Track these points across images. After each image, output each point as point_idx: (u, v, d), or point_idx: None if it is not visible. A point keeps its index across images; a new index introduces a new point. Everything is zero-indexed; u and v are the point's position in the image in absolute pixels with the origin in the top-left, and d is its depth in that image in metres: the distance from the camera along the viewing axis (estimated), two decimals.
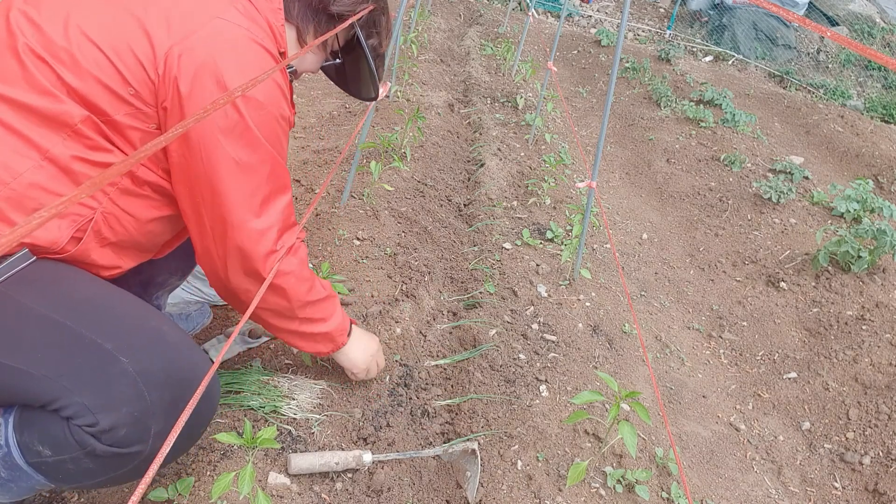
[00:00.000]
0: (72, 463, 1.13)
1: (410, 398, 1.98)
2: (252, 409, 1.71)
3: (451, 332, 2.38)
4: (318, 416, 1.76)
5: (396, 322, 2.23)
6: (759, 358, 3.01)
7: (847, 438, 2.51)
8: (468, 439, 1.84)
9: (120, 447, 1.11)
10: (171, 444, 1.23)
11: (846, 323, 3.04)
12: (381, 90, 1.75)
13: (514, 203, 3.43)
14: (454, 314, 2.50)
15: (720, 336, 3.16)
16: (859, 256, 3.30)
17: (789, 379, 2.85)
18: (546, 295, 2.62)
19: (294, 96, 1.51)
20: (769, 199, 4.21)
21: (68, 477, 1.17)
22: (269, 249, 1.38)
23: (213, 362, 1.29)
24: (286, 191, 1.41)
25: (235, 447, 1.58)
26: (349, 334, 1.70)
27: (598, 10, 10.10)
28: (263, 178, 1.33)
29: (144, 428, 1.12)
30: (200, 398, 1.23)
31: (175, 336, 1.24)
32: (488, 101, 5.02)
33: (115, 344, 1.13)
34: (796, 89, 8.29)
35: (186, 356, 1.22)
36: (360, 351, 1.76)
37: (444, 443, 1.88)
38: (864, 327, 2.98)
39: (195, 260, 1.90)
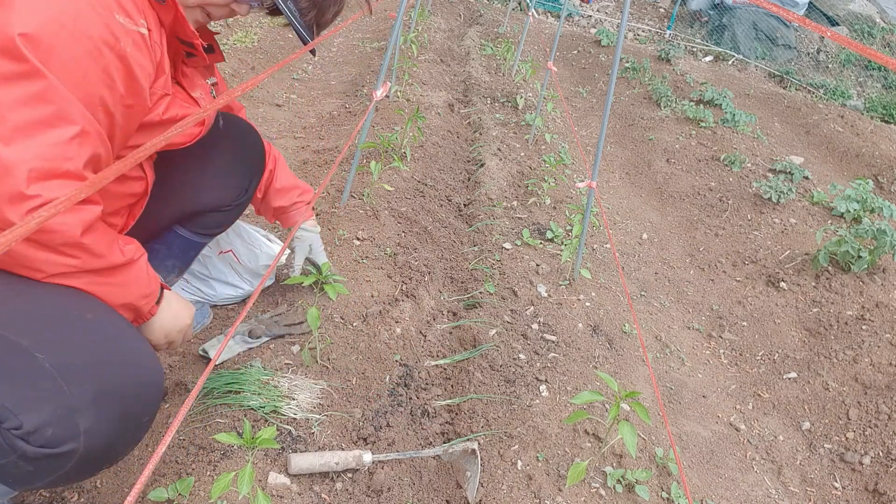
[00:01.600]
0: (13, 467, 1.08)
1: (410, 398, 1.98)
2: (252, 409, 1.71)
3: (451, 332, 2.38)
4: (318, 416, 1.76)
5: (396, 322, 2.23)
6: (759, 358, 3.01)
7: (847, 438, 2.51)
8: (468, 439, 1.84)
9: (51, 447, 1.05)
10: (107, 439, 1.12)
11: (846, 323, 3.04)
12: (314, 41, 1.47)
13: (514, 203, 3.43)
14: (454, 314, 2.50)
15: (720, 336, 3.16)
16: (859, 256, 3.30)
17: (789, 379, 2.85)
18: (546, 295, 2.62)
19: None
20: (769, 199, 4.21)
21: (19, 480, 1.13)
22: (16, 192, 1.03)
23: (150, 348, 1.23)
24: (64, 124, 1.06)
25: (235, 447, 1.58)
26: (159, 302, 1.42)
27: (598, 10, 10.10)
28: (27, 97, 1.02)
29: (72, 425, 1.06)
30: (133, 387, 1.15)
31: (98, 324, 1.15)
32: (488, 101, 5.02)
33: (30, 340, 1.06)
34: (796, 89, 8.29)
35: (110, 345, 1.14)
36: (166, 323, 1.47)
37: (444, 443, 1.88)
38: (864, 327, 2.98)
39: (191, 257, 1.91)
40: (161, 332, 1.45)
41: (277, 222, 2.11)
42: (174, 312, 1.46)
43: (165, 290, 1.45)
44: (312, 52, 1.49)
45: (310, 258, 2.16)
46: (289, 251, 2.21)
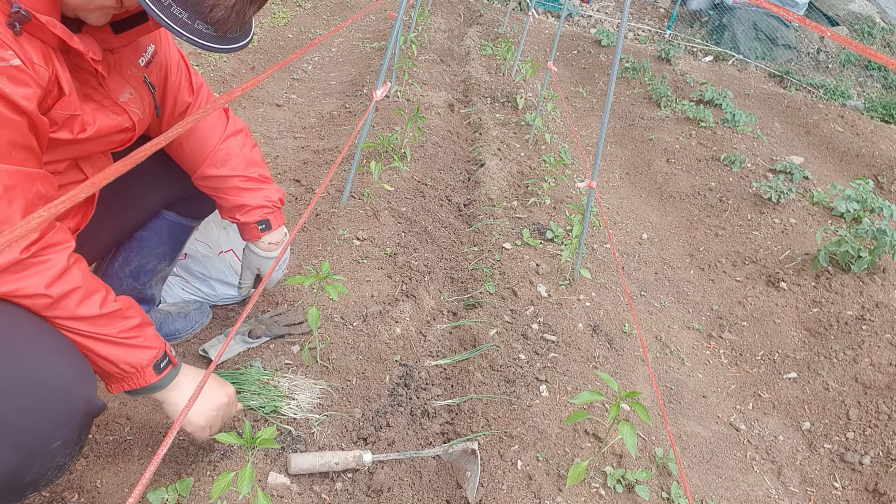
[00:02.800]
0: None
1: (410, 398, 1.98)
2: (252, 409, 1.71)
3: (451, 332, 2.38)
4: (318, 416, 1.76)
5: (396, 322, 2.23)
6: (759, 358, 3.00)
7: (847, 438, 2.51)
8: (468, 439, 1.84)
9: None
10: (9, 468, 1.04)
11: (846, 323, 3.04)
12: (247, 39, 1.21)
13: (514, 203, 3.43)
14: (454, 314, 2.49)
15: (720, 336, 3.16)
16: (859, 256, 3.30)
17: (789, 379, 2.85)
18: (546, 295, 2.62)
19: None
20: (769, 199, 4.21)
21: None
22: None
23: (63, 364, 1.14)
24: None
25: (235, 447, 1.58)
26: (162, 371, 1.33)
27: (598, 10, 10.10)
28: None
29: None
30: (30, 410, 1.07)
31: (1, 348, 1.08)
32: (488, 101, 5.02)
33: None
34: (796, 89, 8.28)
35: (9, 370, 1.06)
36: (199, 405, 1.41)
37: (444, 443, 1.88)
38: (864, 327, 2.98)
39: (181, 242, 1.91)
40: (195, 415, 1.39)
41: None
42: (203, 389, 1.36)
43: (183, 364, 1.40)
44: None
45: (260, 276, 1.84)
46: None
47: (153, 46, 1.45)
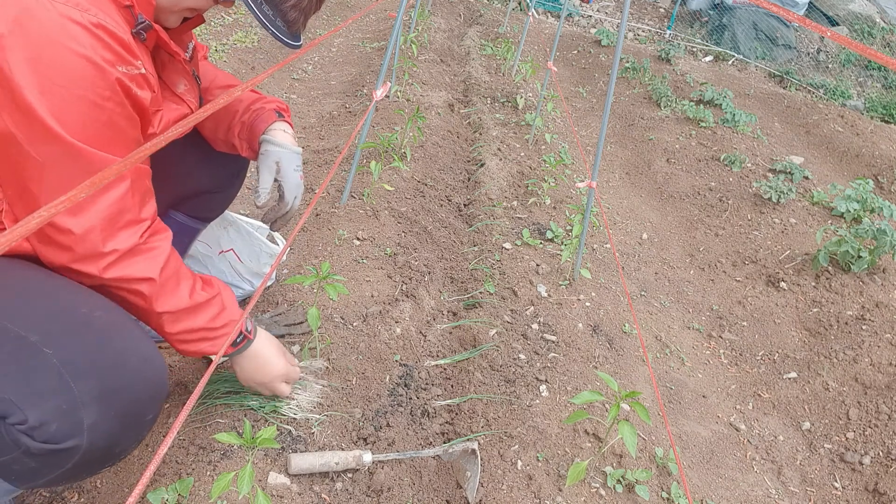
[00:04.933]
0: (16, 464, 1.09)
1: (410, 398, 1.98)
2: (252, 409, 1.71)
3: (451, 332, 2.38)
4: (318, 416, 1.76)
5: (396, 322, 2.23)
6: (759, 358, 3.00)
7: (847, 438, 2.51)
8: (468, 439, 1.84)
9: (54, 443, 1.07)
10: (110, 435, 1.14)
11: (846, 323, 3.04)
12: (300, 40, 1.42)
13: (514, 203, 3.43)
14: (454, 314, 2.50)
15: (720, 336, 3.16)
16: (859, 256, 3.30)
17: (789, 379, 2.85)
18: (546, 295, 2.62)
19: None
20: (769, 199, 4.21)
21: (21, 477, 1.14)
22: (96, 252, 1.21)
23: (155, 347, 1.24)
24: (116, 184, 1.21)
25: (235, 447, 1.58)
26: (237, 345, 1.51)
27: (598, 10, 10.10)
28: (72, 174, 1.15)
29: (76, 421, 1.08)
30: (138, 385, 1.17)
31: (106, 321, 1.18)
32: (488, 101, 5.02)
33: (39, 335, 1.09)
34: (796, 89, 8.28)
35: (117, 342, 1.17)
36: (249, 372, 1.60)
37: (444, 443, 1.88)
38: (864, 327, 2.98)
39: (186, 244, 1.92)
40: (246, 379, 1.60)
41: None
42: (260, 363, 1.58)
43: (256, 340, 1.55)
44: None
45: (278, 181, 1.71)
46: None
47: (193, 43, 1.56)
